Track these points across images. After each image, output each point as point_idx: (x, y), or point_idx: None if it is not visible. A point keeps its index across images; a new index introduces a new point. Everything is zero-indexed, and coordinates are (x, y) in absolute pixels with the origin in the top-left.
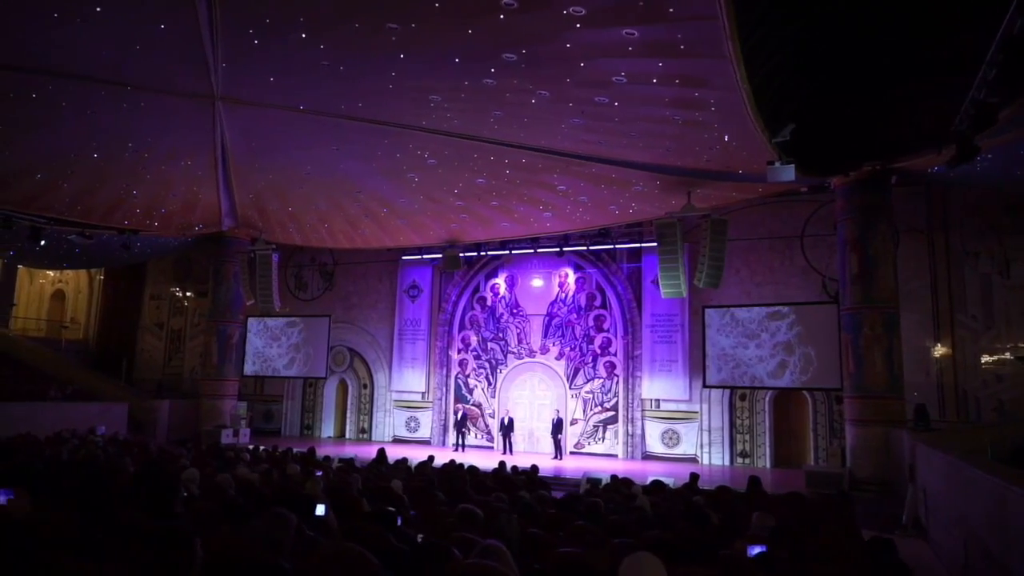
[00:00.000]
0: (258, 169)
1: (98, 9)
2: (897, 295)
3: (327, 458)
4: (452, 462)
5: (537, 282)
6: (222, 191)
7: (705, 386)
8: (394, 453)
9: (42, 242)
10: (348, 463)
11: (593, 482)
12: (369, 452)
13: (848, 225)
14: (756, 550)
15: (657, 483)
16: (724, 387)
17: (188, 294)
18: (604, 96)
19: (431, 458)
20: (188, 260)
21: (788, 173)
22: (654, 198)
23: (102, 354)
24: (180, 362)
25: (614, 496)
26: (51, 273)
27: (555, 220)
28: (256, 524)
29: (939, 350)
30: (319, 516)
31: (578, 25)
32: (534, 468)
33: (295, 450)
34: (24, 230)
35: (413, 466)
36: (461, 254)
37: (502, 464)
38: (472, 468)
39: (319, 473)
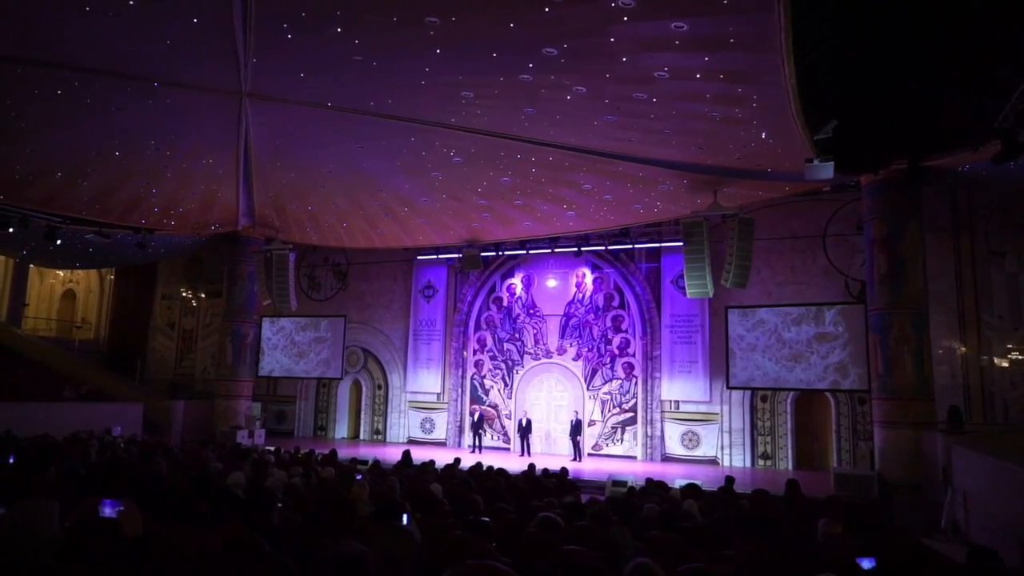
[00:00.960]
0: (279, 167)
1: (131, 2)
2: (927, 295)
3: (353, 460)
4: (479, 464)
5: (551, 282)
6: (241, 190)
7: (729, 387)
8: (413, 455)
9: (58, 241)
10: (375, 465)
11: (620, 484)
12: (385, 453)
13: (876, 224)
14: (868, 564)
15: (692, 486)
16: (747, 388)
17: (200, 294)
18: (643, 92)
19: (457, 460)
20: (199, 260)
21: (827, 171)
22: (680, 197)
23: (114, 354)
24: (192, 362)
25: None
26: (61, 273)
27: (578, 219)
28: (377, 540)
29: (965, 351)
30: (403, 526)
31: (626, 18)
32: (564, 471)
33: (317, 452)
34: (40, 229)
35: (439, 469)
36: (479, 254)
37: (531, 467)
38: (501, 471)
39: (359, 477)
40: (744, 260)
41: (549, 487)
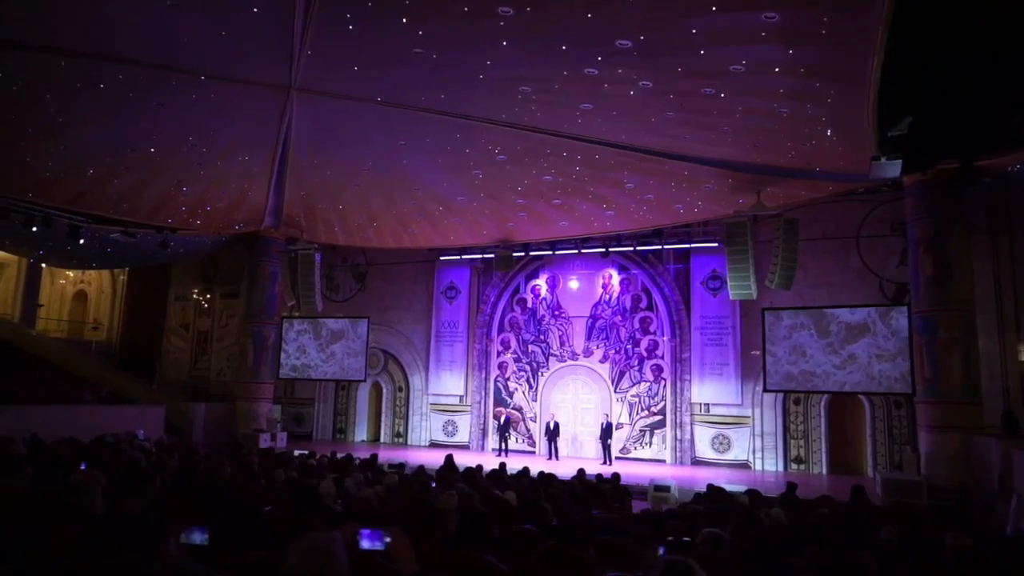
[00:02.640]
0: (316, 165)
1: None
2: (974, 297)
3: (401, 465)
4: (526, 469)
5: (573, 284)
6: (272, 188)
7: (765, 390)
8: (435, 458)
9: (81, 241)
10: (420, 470)
11: (663, 489)
12: (408, 457)
13: (921, 225)
14: None
15: (754, 492)
16: (784, 391)
17: (215, 295)
18: (712, 87)
19: (503, 466)
20: (215, 260)
21: (894, 169)
22: (722, 197)
23: (127, 355)
24: (207, 364)
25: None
26: (71, 273)
27: (617, 219)
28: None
29: (1006, 354)
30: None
31: (714, 8)
32: (616, 476)
33: (356, 457)
34: (62, 228)
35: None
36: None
37: (581, 471)
38: (551, 476)
39: (435, 485)
40: (789, 261)
41: (605, 492)
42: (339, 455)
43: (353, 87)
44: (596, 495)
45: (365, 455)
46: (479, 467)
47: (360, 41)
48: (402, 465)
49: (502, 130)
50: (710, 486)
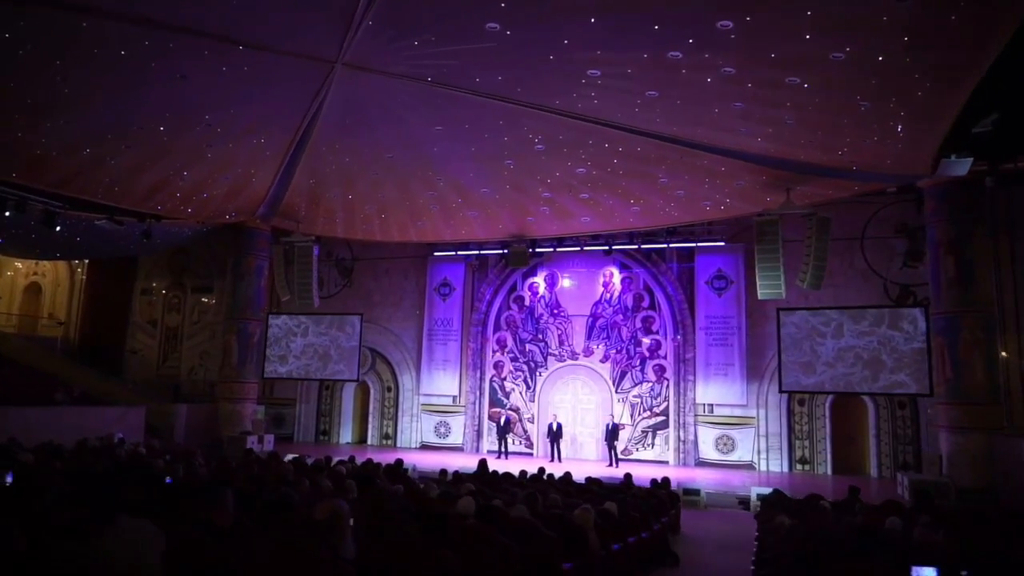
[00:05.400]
0: (336, 150)
1: None
2: (994, 298)
3: (443, 472)
4: (545, 473)
5: (566, 282)
6: (280, 175)
7: (781, 391)
8: (429, 461)
9: (57, 228)
10: (457, 477)
11: (692, 492)
12: (405, 458)
13: (942, 227)
14: None
15: (816, 498)
16: (799, 392)
17: (186, 290)
18: (798, 77)
19: (541, 470)
20: (186, 253)
21: (964, 167)
22: (751, 195)
23: (88, 353)
24: (177, 362)
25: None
26: (20, 264)
27: (640, 215)
28: None
29: (1006, 355)
30: None
31: None
32: (666, 480)
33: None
34: (35, 214)
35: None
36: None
37: (628, 476)
38: (596, 480)
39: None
40: (820, 260)
41: (662, 498)
42: (335, 459)
43: (405, 64)
44: (659, 502)
45: (389, 459)
46: (508, 472)
47: (431, 13)
48: (401, 464)
49: (550, 118)
50: (776, 490)
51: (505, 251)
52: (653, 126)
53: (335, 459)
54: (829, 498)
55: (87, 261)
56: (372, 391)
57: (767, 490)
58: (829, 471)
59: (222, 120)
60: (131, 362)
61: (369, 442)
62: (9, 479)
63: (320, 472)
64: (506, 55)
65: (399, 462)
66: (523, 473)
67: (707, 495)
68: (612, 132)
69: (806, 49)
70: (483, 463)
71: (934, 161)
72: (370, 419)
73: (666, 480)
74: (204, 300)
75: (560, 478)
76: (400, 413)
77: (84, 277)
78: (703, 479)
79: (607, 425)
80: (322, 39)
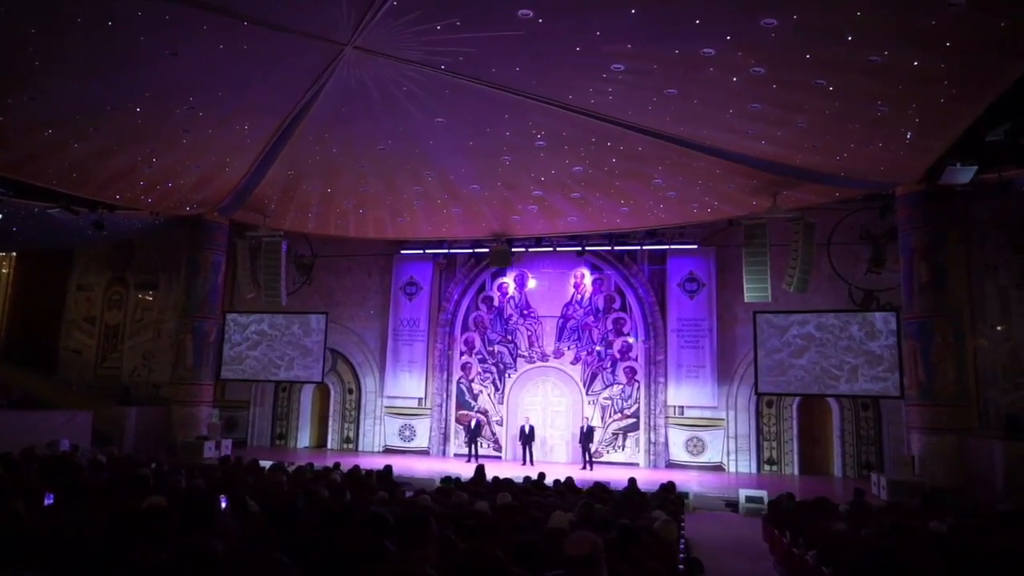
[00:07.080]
0: (325, 139)
1: None
2: (967, 304)
3: (448, 479)
4: (571, 480)
5: (532, 283)
6: (258, 165)
7: (757, 393)
8: (397, 465)
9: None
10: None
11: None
12: (362, 464)
13: (916, 234)
14: None
15: (824, 501)
16: (775, 395)
17: (128, 286)
18: (825, 79)
19: (542, 475)
20: (130, 246)
21: (967, 175)
22: (738, 198)
23: (15, 351)
24: (117, 362)
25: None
26: None
27: (628, 216)
28: None
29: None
30: None
31: None
32: (671, 484)
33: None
34: None
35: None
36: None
37: (632, 480)
38: (603, 485)
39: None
40: (806, 264)
41: (674, 501)
42: (317, 465)
43: (421, 51)
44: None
45: (378, 465)
46: (542, 475)
47: None
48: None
49: (557, 112)
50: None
51: (475, 250)
52: (662, 125)
53: (316, 465)
54: (797, 497)
55: (14, 254)
56: (332, 393)
57: (754, 492)
58: (796, 471)
59: (207, 103)
60: (67, 362)
61: (329, 446)
62: None
63: (319, 481)
64: (530, 45)
65: (388, 468)
66: (541, 476)
67: (694, 497)
68: (618, 130)
69: (843, 51)
70: (480, 469)
71: (930, 169)
72: (330, 422)
73: (671, 484)
74: (149, 297)
75: (591, 486)
76: (362, 416)
77: (11, 271)
78: (678, 481)
79: (582, 427)
80: (338, 18)
